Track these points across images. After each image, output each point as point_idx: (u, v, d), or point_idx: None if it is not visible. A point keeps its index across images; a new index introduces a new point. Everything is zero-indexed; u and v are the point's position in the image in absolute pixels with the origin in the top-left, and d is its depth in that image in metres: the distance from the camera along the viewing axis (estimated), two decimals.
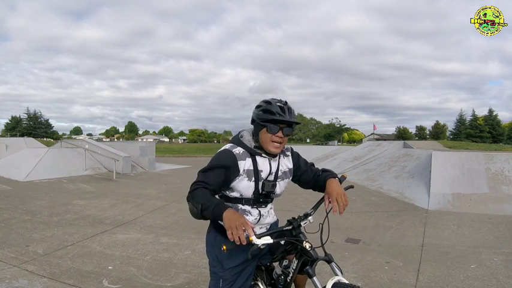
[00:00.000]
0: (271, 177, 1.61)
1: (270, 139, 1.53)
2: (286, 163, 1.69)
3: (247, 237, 1.30)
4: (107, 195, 6.78)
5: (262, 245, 1.36)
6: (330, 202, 1.52)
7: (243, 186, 1.55)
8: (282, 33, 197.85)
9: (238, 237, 1.27)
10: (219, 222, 1.45)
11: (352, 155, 12.71)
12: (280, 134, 1.52)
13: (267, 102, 1.56)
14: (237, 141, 1.61)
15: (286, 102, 1.57)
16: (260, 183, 1.57)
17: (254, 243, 1.33)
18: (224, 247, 1.32)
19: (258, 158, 1.58)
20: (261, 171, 1.57)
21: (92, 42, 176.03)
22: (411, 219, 4.92)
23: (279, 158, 1.66)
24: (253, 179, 1.56)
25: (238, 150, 1.57)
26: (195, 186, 1.49)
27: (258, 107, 1.58)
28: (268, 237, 1.38)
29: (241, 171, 1.54)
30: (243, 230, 1.28)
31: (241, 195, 1.57)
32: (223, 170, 1.51)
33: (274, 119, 1.50)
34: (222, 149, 1.60)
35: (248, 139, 1.60)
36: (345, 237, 4.08)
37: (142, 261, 3.31)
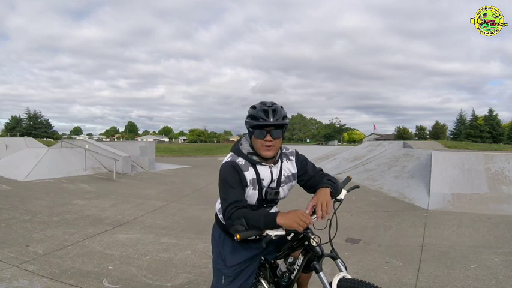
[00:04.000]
0: (274, 184, 1.61)
1: (260, 144, 1.52)
2: (290, 168, 1.67)
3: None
4: (107, 195, 6.78)
5: (275, 236, 1.38)
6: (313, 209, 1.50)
7: (248, 195, 1.57)
8: (283, 33, 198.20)
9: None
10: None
11: (352, 155, 12.71)
12: (268, 137, 1.51)
13: (253, 107, 1.57)
14: (237, 150, 1.61)
15: (272, 103, 1.55)
16: (263, 191, 1.58)
17: (267, 234, 1.37)
18: (238, 236, 1.34)
19: (258, 166, 1.58)
20: (263, 179, 1.58)
21: (92, 41, 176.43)
22: (411, 219, 4.92)
23: (281, 163, 1.65)
24: (257, 187, 1.57)
25: (240, 161, 1.57)
26: (231, 211, 1.46)
27: (247, 113, 1.59)
28: (281, 229, 1.40)
29: (248, 182, 1.55)
30: (305, 216, 1.37)
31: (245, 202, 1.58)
32: (239, 183, 1.53)
33: (258, 124, 1.50)
34: (227, 162, 1.58)
35: (246, 147, 1.60)
36: (345, 237, 4.08)
37: (142, 261, 3.31)
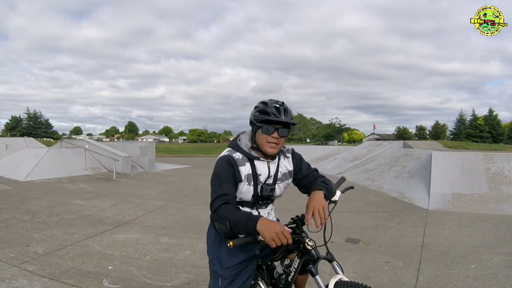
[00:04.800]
0: (270, 181, 1.61)
1: (265, 140, 1.53)
2: (286, 165, 1.68)
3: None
4: (107, 195, 6.78)
5: None
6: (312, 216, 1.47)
7: (243, 190, 1.56)
8: (283, 33, 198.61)
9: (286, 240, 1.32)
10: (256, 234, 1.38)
11: (352, 155, 12.72)
12: (275, 134, 1.52)
13: (264, 103, 1.57)
14: (235, 145, 1.62)
15: (282, 102, 1.57)
16: (259, 187, 1.58)
17: (260, 240, 1.35)
18: (231, 243, 1.33)
19: (256, 162, 1.58)
20: (260, 174, 1.58)
21: (92, 41, 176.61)
22: (411, 219, 4.92)
23: (279, 159, 1.65)
24: (252, 183, 1.56)
25: (237, 155, 1.57)
26: (217, 204, 1.46)
27: (255, 108, 1.59)
28: None
29: (243, 177, 1.55)
30: (283, 235, 1.32)
31: (240, 198, 1.58)
32: (232, 177, 1.52)
33: (269, 119, 1.51)
34: (223, 156, 1.59)
35: (245, 143, 1.60)
36: (345, 237, 4.08)
37: (142, 261, 3.31)
